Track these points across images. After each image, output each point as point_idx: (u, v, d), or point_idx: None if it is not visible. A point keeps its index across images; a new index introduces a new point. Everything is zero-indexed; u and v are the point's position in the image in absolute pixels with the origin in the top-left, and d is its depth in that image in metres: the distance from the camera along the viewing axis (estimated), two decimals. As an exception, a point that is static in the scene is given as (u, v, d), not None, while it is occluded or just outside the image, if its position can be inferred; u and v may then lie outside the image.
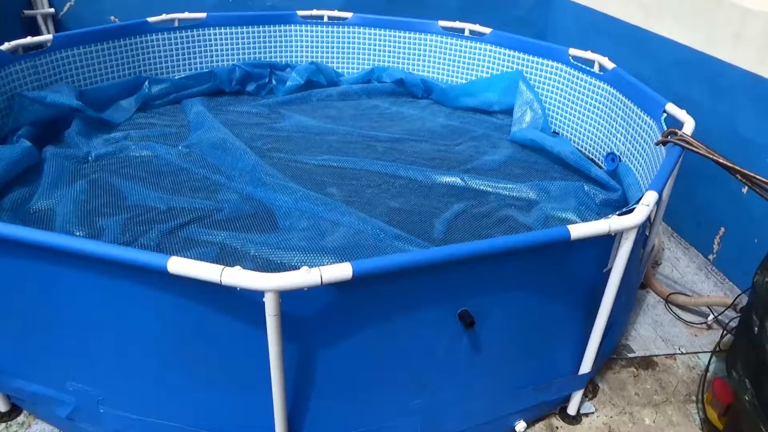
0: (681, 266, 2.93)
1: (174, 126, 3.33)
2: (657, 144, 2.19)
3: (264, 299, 1.32)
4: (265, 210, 2.51)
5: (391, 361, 1.64)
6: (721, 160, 2.01)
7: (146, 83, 3.58)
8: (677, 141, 2.11)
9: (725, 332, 2.43)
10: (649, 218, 1.81)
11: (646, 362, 2.33)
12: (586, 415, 2.07)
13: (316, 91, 3.89)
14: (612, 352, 2.33)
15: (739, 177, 2.01)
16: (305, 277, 1.30)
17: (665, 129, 2.45)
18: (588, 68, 3.20)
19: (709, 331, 2.52)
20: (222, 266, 1.32)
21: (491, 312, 1.66)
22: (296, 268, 2.00)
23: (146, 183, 2.68)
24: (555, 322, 1.84)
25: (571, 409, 2.05)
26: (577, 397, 2.02)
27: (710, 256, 2.89)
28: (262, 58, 4.02)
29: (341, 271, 1.34)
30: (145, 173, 2.78)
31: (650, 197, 1.73)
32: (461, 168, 3.01)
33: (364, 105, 3.83)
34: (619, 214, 1.69)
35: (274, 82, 3.98)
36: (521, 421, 1.97)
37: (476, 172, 2.98)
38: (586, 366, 1.94)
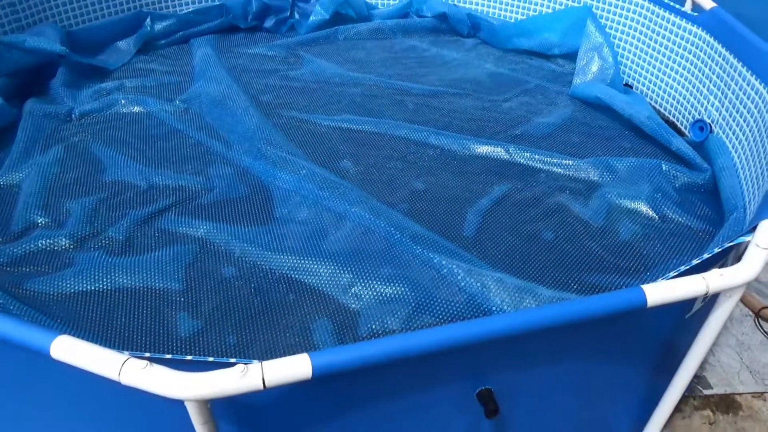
0: (777, 265, 2.36)
1: (176, 73, 2.89)
2: None
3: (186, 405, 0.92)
4: (261, 191, 2.08)
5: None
6: None
7: (148, 20, 3.11)
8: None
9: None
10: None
11: (727, 403, 1.85)
12: (645, 479, 1.64)
13: (344, 28, 3.34)
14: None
15: None
16: (238, 382, 0.88)
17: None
18: (678, 6, 2.52)
19: (812, 360, 2.00)
20: (125, 356, 0.91)
21: (523, 390, 1.21)
22: (286, 278, 1.59)
23: (131, 150, 2.29)
24: (608, 389, 1.38)
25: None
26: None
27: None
28: (283, -13, 3.46)
29: (293, 369, 0.91)
30: (131, 137, 2.38)
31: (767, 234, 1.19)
32: (507, 134, 2.46)
33: (398, 46, 3.26)
34: (713, 259, 1.17)
35: (296, 16, 3.44)
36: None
37: (525, 140, 2.43)
38: (650, 434, 1.49)
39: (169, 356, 0.96)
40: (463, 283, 1.69)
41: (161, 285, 1.69)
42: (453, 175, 2.21)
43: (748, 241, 1.21)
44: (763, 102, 1.97)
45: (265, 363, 0.90)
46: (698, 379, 1.91)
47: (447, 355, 1.03)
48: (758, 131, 1.97)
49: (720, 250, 1.24)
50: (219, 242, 1.85)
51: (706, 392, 1.87)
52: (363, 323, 1.59)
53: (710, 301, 1.25)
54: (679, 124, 2.56)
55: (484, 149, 2.33)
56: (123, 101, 2.57)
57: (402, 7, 3.48)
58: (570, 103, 2.72)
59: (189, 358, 0.97)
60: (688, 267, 1.19)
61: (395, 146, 2.37)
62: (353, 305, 1.65)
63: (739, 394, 1.88)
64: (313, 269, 1.74)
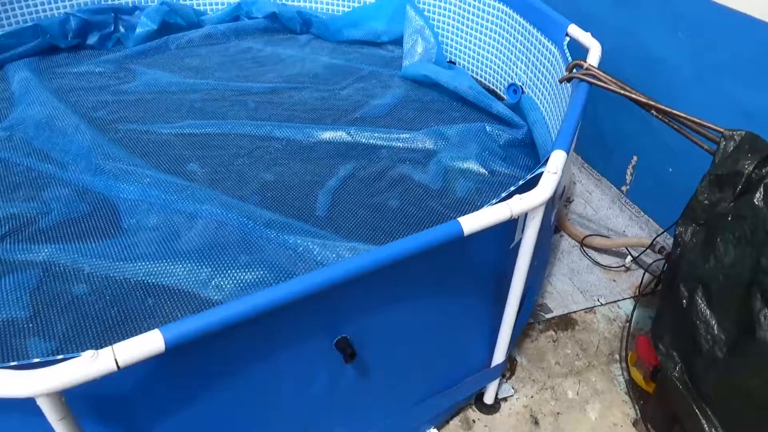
0: (594, 201, 2.72)
1: (-8, 101, 2.68)
2: (561, 81, 1.86)
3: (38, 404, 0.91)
4: (105, 206, 2.02)
5: (260, 412, 1.29)
6: (633, 96, 1.72)
7: (-51, 48, 2.85)
8: (583, 77, 1.79)
9: (648, 275, 2.25)
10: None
11: (565, 322, 2.12)
12: (505, 399, 1.85)
13: (174, 37, 3.28)
14: (529, 317, 2.10)
15: (654, 113, 1.73)
16: (90, 367, 0.90)
17: (568, 55, 2.13)
18: (479, -14, 2.80)
19: (628, 273, 2.34)
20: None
21: (378, 331, 1.33)
22: (143, 284, 1.59)
23: (-51, 186, 2.11)
24: (458, 319, 1.54)
25: (488, 398, 1.81)
26: (492, 385, 1.78)
27: (623, 188, 2.69)
28: (102, 1, 3.33)
29: (146, 345, 0.94)
30: (-52, 173, 2.19)
31: (557, 161, 1.41)
32: (347, 118, 2.60)
33: (233, 49, 3.27)
34: (518, 191, 1.36)
35: (122, 29, 3.31)
36: (432, 429, 1.71)
37: (365, 121, 2.58)
38: (499, 356, 1.68)
39: (14, 363, 0.95)
40: (320, 257, 1.78)
41: (5, 316, 1.61)
42: (300, 163, 2.30)
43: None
44: (555, 59, 2.27)
45: (116, 345, 0.93)
46: (540, 307, 2.16)
47: (297, 309, 1.12)
48: (555, 86, 2.27)
49: (523, 182, 1.44)
50: (65, 262, 1.78)
51: (548, 316, 2.13)
52: (227, 312, 1.63)
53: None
54: (497, 90, 2.85)
55: (327, 135, 2.44)
56: (-68, 137, 2.35)
57: (231, 10, 3.49)
58: (402, 83, 2.91)
59: (36, 360, 0.96)
60: (498, 200, 1.37)
61: (241, 144, 2.40)
62: (215, 297, 1.68)
63: (574, 312, 2.16)
64: (170, 270, 1.74)
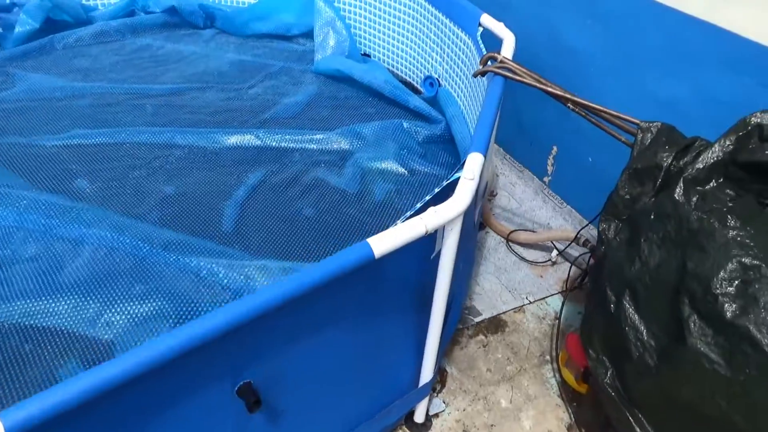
0: (517, 193, 2.67)
1: None
2: (476, 75, 1.76)
3: None
4: (-26, 236, 1.76)
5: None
6: (549, 89, 1.64)
7: None
8: (497, 70, 1.69)
9: (574, 269, 2.22)
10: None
11: (495, 324, 2.05)
12: (437, 415, 1.75)
13: (61, 35, 2.96)
14: (458, 323, 2.01)
15: (571, 106, 1.66)
16: None
17: (482, 46, 2.04)
18: (390, -26, 2.67)
19: (555, 267, 2.30)
20: None
21: (286, 370, 1.18)
22: (19, 326, 1.40)
23: None
24: (379, 343, 1.42)
25: (419, 417, 1.71)
26: (423, 403, 1.68)
27: (545, 179, 2.65)
28: (-28, -3, 2.96)
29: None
30: None
31: (474, 165, 1.30)
32: (256, 120, 2.41)
33: (129, 47, 2.99)
34: (435, 200, 1.25)
35: (-2, 29, 2.96)
36: (359, 458, 1.59)
37: (276, 122, 2.40)
38: (426, 374, 1.58)
39: None
40: (226, 280, 1.60)
41: None
42: (205, 172, 2.10)
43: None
44: (470, 50, 2.18)
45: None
46: (469, 310, 2.08)
47: (186, 359, 0.95)
48: (472, 78, 2.18)
49: (439, 190, 1.33)
50: None
51: (477, 320, 2.05)
52: (121, 353, 1.43)
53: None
54: (414, 83, 2.74)
55: (234, 140, 2.25)
56: None
57: (125, 5, 3.20)
58: (315, 79, 2.75)
59: None
60: (413, 212, 1.25)
61: (137, 154, 2.18)
62: (106, 336, 1.47)
63: (504, 312, 2.09)
64: (51, 309, 1.52)
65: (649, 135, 1.57)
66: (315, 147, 2.26)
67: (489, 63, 1.77)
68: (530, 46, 2.36)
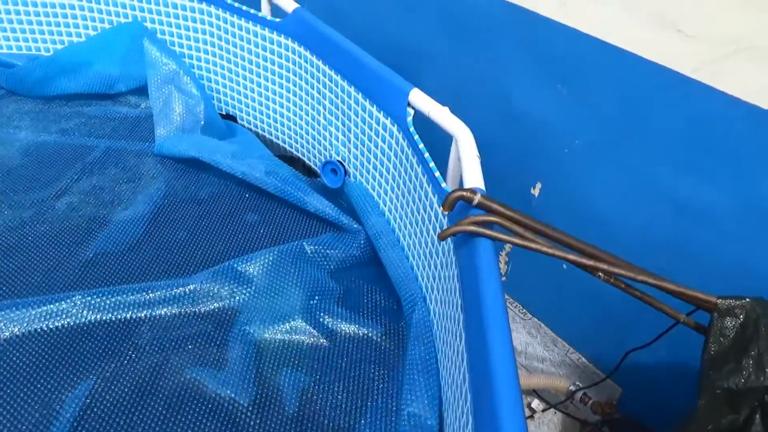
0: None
1: None
2: (443, 237, 1.03)
3: None
4: None
5: None
6: (571, 257, 0.98)
7: None
8: (477, 228, 0.99)
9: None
10: None
11: None
12: None
13: None
14: None
15: (602, 276, 1.02)
16: None
17: (430, 161, 1.33)
18: (254, 11, 1.85)
19: (536, 422, 1.69)
20: None
21: None
22: None
23: None
24: None
25: None
26: None
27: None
28: None
29: None
30: None
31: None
32: (71, 264, 1.52)
33: None
34: None
35: None
36: None
37: (104, 268, 1.53)
38: None
39: None
40: None
41: None
42: (-20, 401, 1.21)
43: None
44: (392, 137, 1.47)
45: None
46: None
47: None
48: (402, 175, 1.47)
49: None
50: None
51: None
52: None
53: None
54: (309, 162, 1.98)
55: (28, 320, 1.36)
56: None
57: None
58: (161, 167, 1.89)
59: None
60: None
61: None
62: None
63: None
64: None
65: (733, 321, 0.98)
66: (174, 311, 1.43)
67: (457, 206, 1.06)
68: (476, 112, 1.69)
